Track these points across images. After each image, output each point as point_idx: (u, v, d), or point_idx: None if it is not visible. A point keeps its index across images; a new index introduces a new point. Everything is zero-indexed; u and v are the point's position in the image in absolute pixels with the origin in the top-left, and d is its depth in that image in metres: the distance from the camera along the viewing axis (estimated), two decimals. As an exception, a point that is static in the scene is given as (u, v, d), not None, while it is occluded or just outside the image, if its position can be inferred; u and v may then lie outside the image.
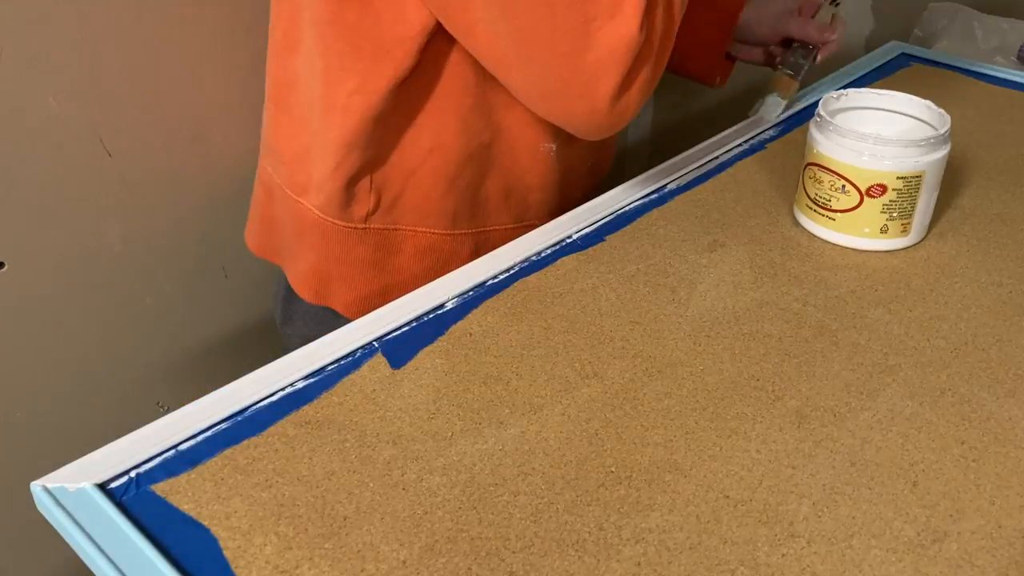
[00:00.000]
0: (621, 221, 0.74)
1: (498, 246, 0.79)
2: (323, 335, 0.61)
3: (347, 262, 0.80)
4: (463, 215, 0.79)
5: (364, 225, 0.78)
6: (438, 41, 0.69)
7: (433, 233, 0.79)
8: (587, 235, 0.72)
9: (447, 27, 0.66)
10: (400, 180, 0.76)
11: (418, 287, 0.71)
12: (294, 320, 0.87)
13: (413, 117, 0.73)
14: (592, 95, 0.62)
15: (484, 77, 0.72)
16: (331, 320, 0.82)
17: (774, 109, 0.91)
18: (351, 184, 0.75)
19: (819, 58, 0.91)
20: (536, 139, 0.77)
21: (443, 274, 0.78)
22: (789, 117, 0.91)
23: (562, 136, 0.78)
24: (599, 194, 0.78)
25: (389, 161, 0.75)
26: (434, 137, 0.74)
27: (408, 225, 0.79)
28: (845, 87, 0.96)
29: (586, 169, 0.87)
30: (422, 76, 0.71)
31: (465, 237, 0.80)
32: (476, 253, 0.81)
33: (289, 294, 0.86)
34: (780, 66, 0.92)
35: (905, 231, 0.71)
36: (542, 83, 0.64)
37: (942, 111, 0.72)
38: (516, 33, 0.61)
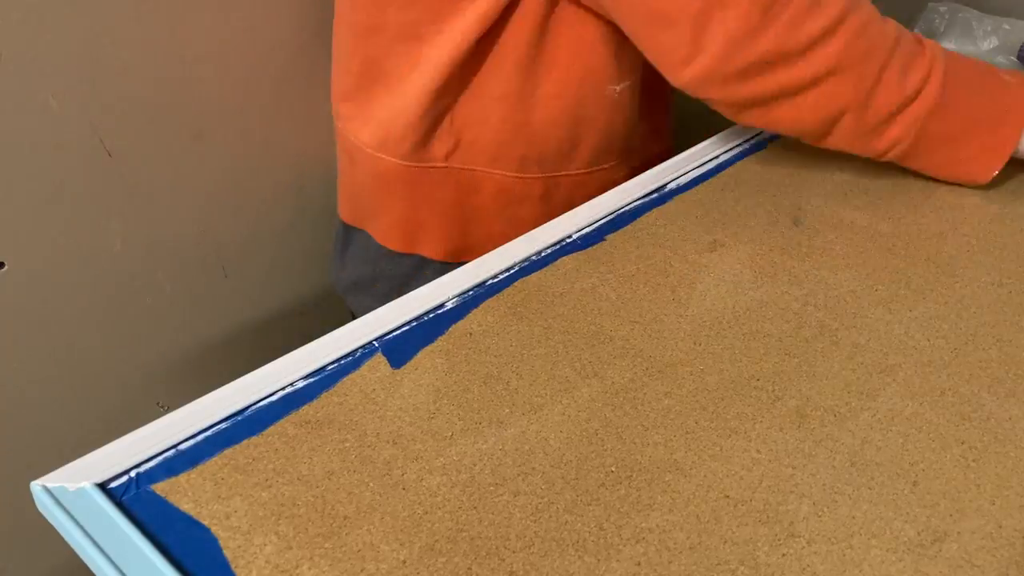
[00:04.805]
0: (621, 221, 0.74)
1: (570, 192, 0.88)
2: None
3: (433, 201, 0.86)
4: (531, 161, 0.85)
5: (445, 164, 0.84)
6: None
7: (505, 175, 0.85)
8: (587, 235, 0.72)
9: None
10: (474, 123, 0.82)
11: (494, 231, 0.83)
12: (381, 278, 0.94)
13: (484, 60, 0.79)
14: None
15: (543, 35, 0.78)
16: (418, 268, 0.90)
17: None
18: (434, 126, 0.82)
19: None
20: (600, 82, 0.82)
21: (518, 216, 0.88)
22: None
23: (627, 79, 0.84)
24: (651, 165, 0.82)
25: (466, 102, 0.81)
26: (503, 85, 0.79)
27: (482, 166, 0.85)
28: (845, 87, 0.96)
29: (647, 127, 0.93)
30: (506, 19, 0.76)
31: (535, 182, 0.86)
32: (547, 199, 0.88)
33: (367, 255, 0.93)
34: None
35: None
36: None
37: (942, 111, 0.72)
38: None
